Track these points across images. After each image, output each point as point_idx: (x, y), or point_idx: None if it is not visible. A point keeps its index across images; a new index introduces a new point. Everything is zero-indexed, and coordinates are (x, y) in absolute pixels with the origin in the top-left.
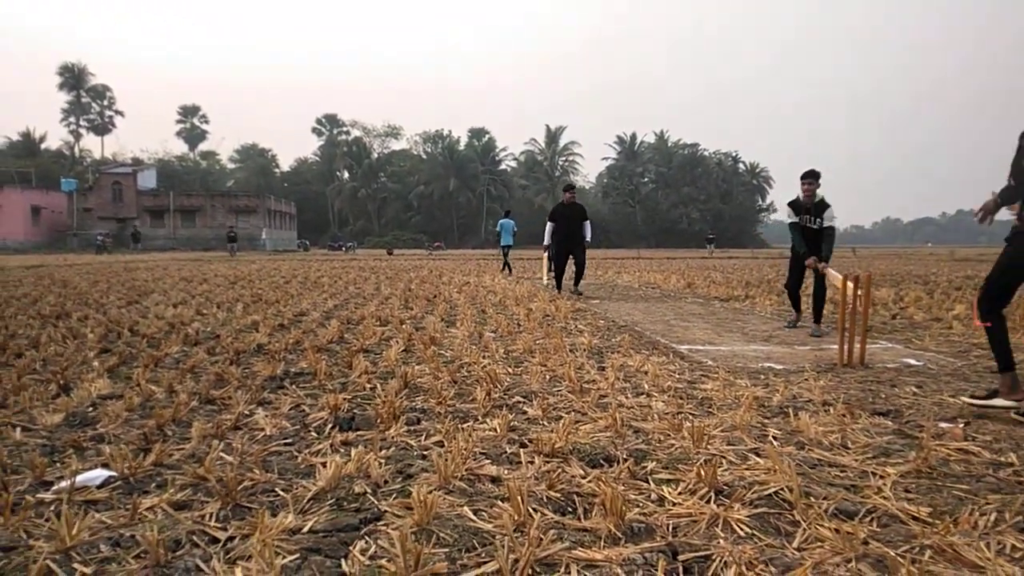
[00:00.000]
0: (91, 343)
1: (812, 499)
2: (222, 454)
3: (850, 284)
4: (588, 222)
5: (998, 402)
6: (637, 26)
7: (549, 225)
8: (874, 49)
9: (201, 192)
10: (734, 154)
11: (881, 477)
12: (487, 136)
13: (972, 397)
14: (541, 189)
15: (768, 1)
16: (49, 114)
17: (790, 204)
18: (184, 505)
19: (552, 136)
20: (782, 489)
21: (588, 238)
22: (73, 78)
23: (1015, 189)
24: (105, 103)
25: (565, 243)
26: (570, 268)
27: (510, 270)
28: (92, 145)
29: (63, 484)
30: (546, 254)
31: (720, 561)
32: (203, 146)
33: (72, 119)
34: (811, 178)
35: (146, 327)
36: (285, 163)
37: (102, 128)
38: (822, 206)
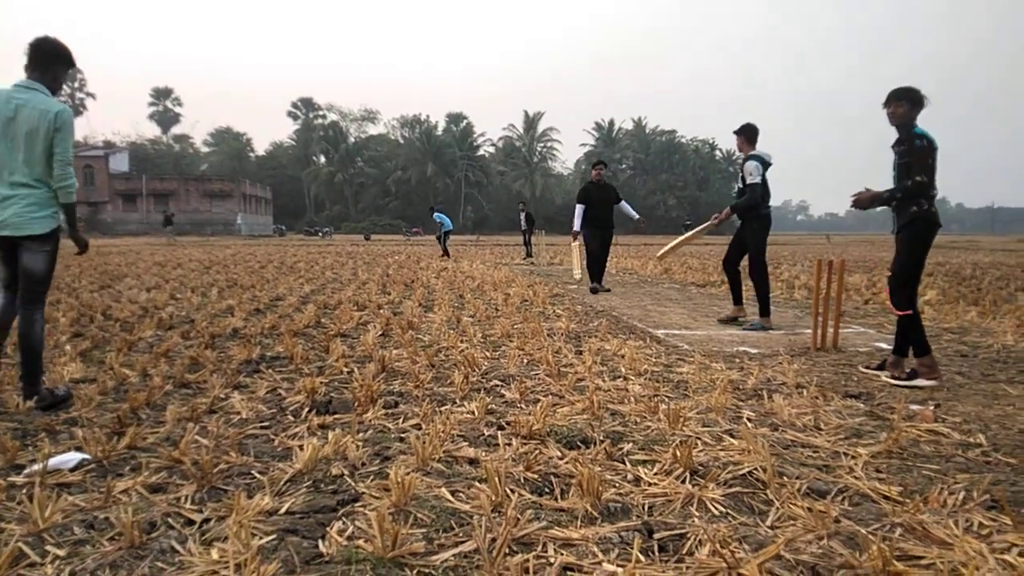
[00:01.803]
0: (63, 327)
1: (785, 479)
2: (197, 437)
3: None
4: (624, 202)
5: (920, 382)
6: (616, 12)
7: (579, 208)
8: (845, 40)
9: (175, 176)
10: (711, 141)
11: (853, 457)
12: (465, 121)
13: (895, 378)
14: (519, 175)
15: None
16: None
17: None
18: (159, 488)
19: (530, 122)
20: (756, 469)
21: (635, 216)
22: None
23: (924, 185)
24: (76, 85)
25: (595, 228)
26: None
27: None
28: None
29: (36, 467)
30: (576, 242)
31: (695, 539)
32: (176, 129)
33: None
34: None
35: (119, 311)
36: (260, 147)
37: (73, 110)
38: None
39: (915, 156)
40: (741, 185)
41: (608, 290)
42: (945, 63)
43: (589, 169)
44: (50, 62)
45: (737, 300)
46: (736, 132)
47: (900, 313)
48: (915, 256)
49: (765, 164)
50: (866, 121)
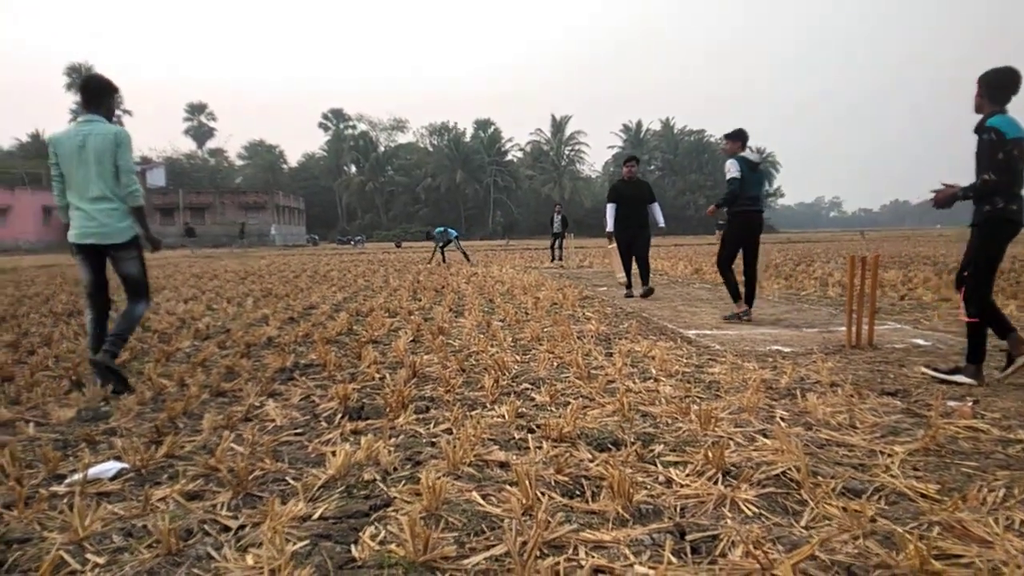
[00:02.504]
0: None
1: (820, 478)
2: (233, 445)
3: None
4: (656, 204)
5: (959, 378)
6: (649, 25)
7: (611, 208)
8: (884, 38)
9: (210, 189)
10: None
11: (889, 456)
12: (492, 127)
13: (935, 370)
14: (548, 179)
15: None
16: (57, 115)
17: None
18: (196, 495)
19: (558, 126)
20: (790, 469)
21: (662, 223)
22: (80, 78)
23: (994, 183)
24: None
25: (625, 230)
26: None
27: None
28: None
29: (76, 477)
30: (613, 244)
31: (727, 540)
32: (211, 143)
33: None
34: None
35: (157, 323)
36: (293, 159)
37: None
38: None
39: (983, 151)
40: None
41: (651, 290)
42: (981, 54)
43: (618, 170)
44: (100, 96)
45: (736, 297)
46: (728, 136)
47: (968, 320)
48: (987, 258)
49: (749, 164)
50: (904, 117)
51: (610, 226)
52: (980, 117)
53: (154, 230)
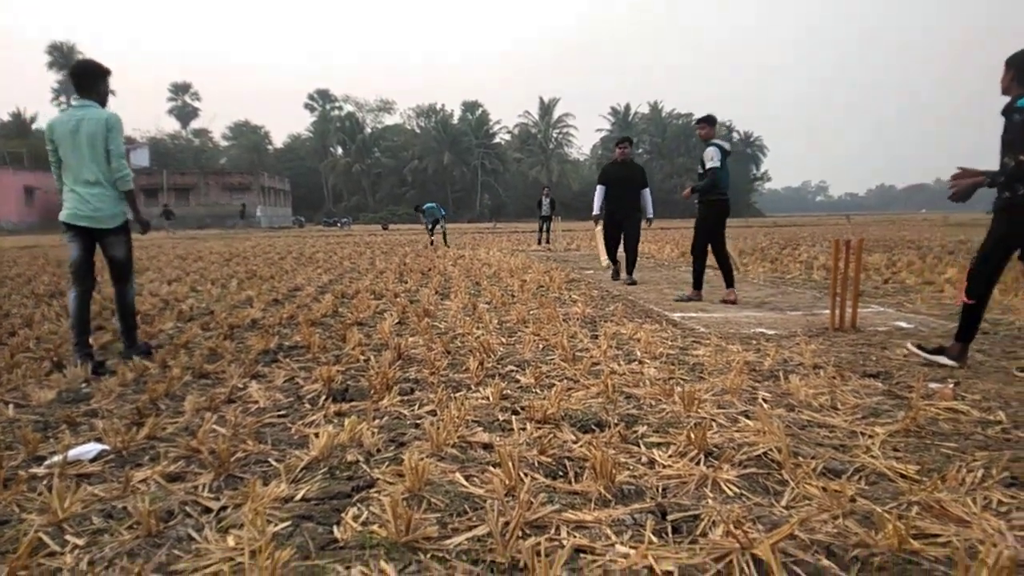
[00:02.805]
0: None
1: (801, 459)
2: (215, 426)
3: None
4: (648, 190)
5: (940, 358)
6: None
7: (600, 190)
8: (878, 25)
9: (194, 170)
10: (728, 123)
11: (870, 437)
12: (480, 109)
13: (919, 347)
14: (536, 162)
15: None
16: (39, 94)
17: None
18: (177, 477)
19: (546, 108)
20: (771, 450)
21: (650, 213)
22: (62, 57)
23: (1015, 170)
24: None
25: (614, 214)
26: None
27: (445, 240)
28: None
29: (56, 458)
30: (599, 227)
31: (708, 520)
32: (195, 123)
33: (63, 99)
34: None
35: (140, 304)
36: (278, 140)
37: None
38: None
39: (1014, 132)
40: (701, 170)
41: (634, 282)
42: (964, 39)
43: (606, 155)
44: (91, 80)
45: (699, 284)
46: (701, 121)
47: (966, 300)
48: (998, 244)
49: (724, 152)
50: (884, 100)
51: (596, 208)
52: (1007, 99)
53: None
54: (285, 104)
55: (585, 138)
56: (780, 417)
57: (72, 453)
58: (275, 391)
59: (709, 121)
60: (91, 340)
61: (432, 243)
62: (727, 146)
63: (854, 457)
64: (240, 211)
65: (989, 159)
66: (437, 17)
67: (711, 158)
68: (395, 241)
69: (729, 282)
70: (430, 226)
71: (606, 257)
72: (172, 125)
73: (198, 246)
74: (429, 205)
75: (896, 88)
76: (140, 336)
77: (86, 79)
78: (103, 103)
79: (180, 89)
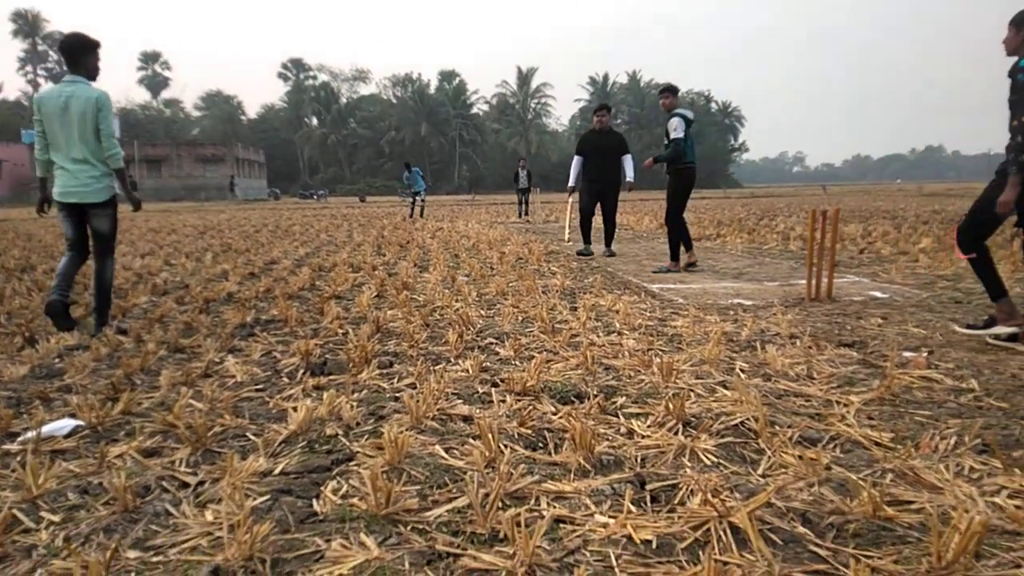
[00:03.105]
0: None
1: (777, 428)
2: (192, 401)
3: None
4: (630, 156)
5: (997, 330)
6: None
7: (576, 160)
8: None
9: (166, 141)
10: (707, 93)
11: (845, 405)
12: (457, 79)
13: (968, 327)
14: (514, 133)
15: None
16: (5, 63)
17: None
18: (153, 452)
19: (524, 78)
20: (748, 419)
21: (631, 177)
22: (27, 25)
23: (1016, 131)
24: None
25: (593, 183)
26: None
27: (422, 213)
28: None
29: (29, 435)
30: (572, 198)
31: (686, 489)
32: (166, 93)
33: (29, 68)
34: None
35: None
36: (252, 110)
37: (60, 77)
38: (668, 117)
39: (1020, 93)
40: (667, 140)
41: (613, 254)
42: (943, 11)
43: (585, 125)
44: (79, 55)
45: (686, 247)
46: (665, 91)
47: (963, 256)
48: (992, 202)
49: (688, 121)
50: (859, 69)
51: (572, 179)
52: (1012, 60)
53: None
54: (258, 73)
55: (563, 109)
56: (757, 387)
57: (46, 429)
58: (252, 365)
59: (672, 91)
60: (69, 296)
61: (412, 215)
62: (690, 115)
63: (829, 426)
64: (229, 184)
65: (958, 130)
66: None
67: (675, 128)
68: (372, 214)
69: (688, 245)
70: (411, 196)
71: (569, 232)
72: (142, 95)
73: (171, 219)
74: (417, 169)
75: (874, 60)
76: (115, 311)
77: (74, 54)
78: (92, 77)
79: (150, 58)
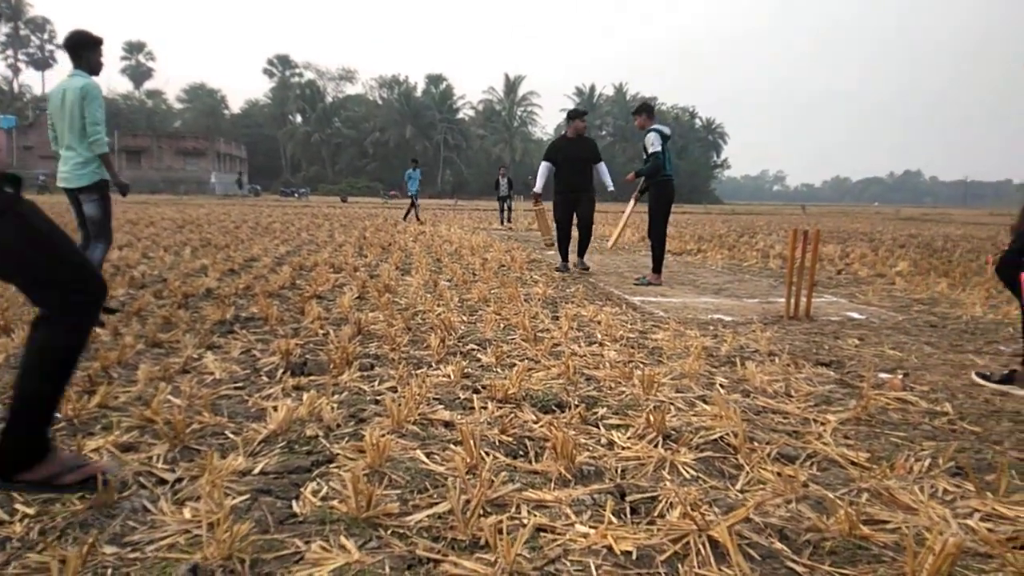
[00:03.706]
0: None
1: (756, 444)
2: (170, 397)
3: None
4: (603, 164)
5: (1016, 390)
6: None
7: (544, 166)
8: (841, 11)
9: (147, 132)
10: (691, 109)
11: (822, 424)
12: (444, 83)
13: (985, 379)
14: (499, 139)
15: None
16: None
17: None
18: (130, 447)
19: (511, 86)
20: (727, 434)
21: (611, 186)
22: (9, 8)
23: None
24: (45, 36)
25: (567, 193)
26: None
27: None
28: (32, 80)
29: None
30: (538, 206)
31: (666, 502)
32: (149, 84)
33: (10, 52)
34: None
35: None
36: (235, 105)
37: (42, 63)
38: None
39: None
40: (645, 156)
41: (587, 268)
42: (922, 38)
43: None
44: (80, 51)
45: (660, 268)
46: (637, 112)
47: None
48: None
49: (664, 136)
50: (847, 92)
51: (538, 187)
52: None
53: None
54: (243, 68)
55: (549, 118)
56: (736, 402)
57: None
58: (231, 363)
59: (645, 111)
60: None
61: (418, 217)
62: (666, 131)
63: (807, 443)
64: (237, 180)
65: (936, 155)
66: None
67: (652, 143)
68: (354, 214)
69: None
70: (411, 195)
71: (549, 236)
72: (124, 85)
73: (149, 211)
74: (418, 171)
75: (856, 84)
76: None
77: (76, 49)
78: (94, 72)
79: (135, 48)
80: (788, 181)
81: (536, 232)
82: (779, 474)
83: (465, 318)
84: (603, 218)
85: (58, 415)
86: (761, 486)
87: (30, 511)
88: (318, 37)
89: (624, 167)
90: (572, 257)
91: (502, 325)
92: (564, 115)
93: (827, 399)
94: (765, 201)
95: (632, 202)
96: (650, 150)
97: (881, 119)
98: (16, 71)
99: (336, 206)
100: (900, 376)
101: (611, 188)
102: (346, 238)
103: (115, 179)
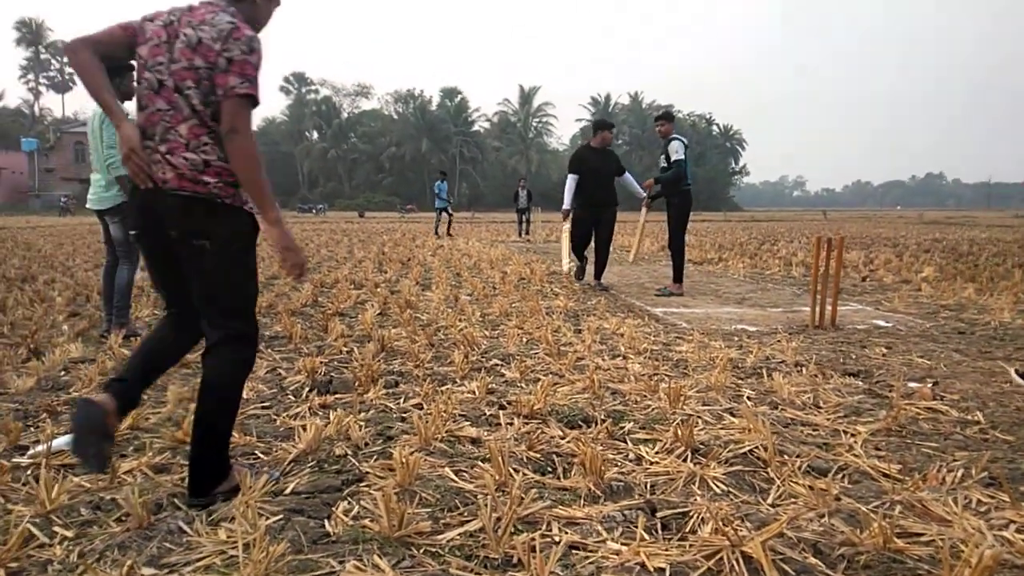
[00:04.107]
0: (59, 307)
1: (786, 457)
2: None
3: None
4: (628, 174)
5: None
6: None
7: (571, 179)
8: (858, 15)
9: None
10: (708, 116)
11: (852, 435)
12: (459, 96)
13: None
14: (515, 151)
15: None
16: (7, 71)
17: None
18: (163, 468)
19: (526, 97)
20: (757, 447)
21: (643, 194)
22: (31, 33)
23: None
24: (65, 59)
25: (591, 207)
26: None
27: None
28: (53, 103)
29: (39, 448)
30: (567, 223)
31: (697, 517)
32: None
33: (31, 76)
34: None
35: None
36: (253, 122)
37: (63, 86)
38: (668, 141)
39: None
40: (665, 164)
41: (606, 288)
42: (947, 38)
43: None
44: (112, 75)
45: (682, 277)
46: (661, 118)
47: None
48: None
49: (686, 145)
50: (862, 97)
51: (568, 202)
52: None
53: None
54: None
55: (565, 128)
56: (764, 415)
57: (56, 443)
58: (258, 382)
59: (668, 118)
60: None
61: (447, 231)
62: (686, 140)
63: (837, 455)
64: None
65: (958, 157)
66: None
67: (676, 151)
68: (372, 229)
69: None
70: (439, 210)
71: (569, 260)
72: None
73: None
74: (444, 184)
75: (876, 86)
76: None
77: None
78: (126, 97)
79: None
80: (808, 186)
81: (555, 244)
82: (811, 487)
83: (487, 332)
84: (618, 227)
85: None
86: (793, 500)
87: (69, 534)
88: (334, 54)
89: (641, 176)
90: (588, 268)
91: (525, 339)
92: (576, 125)
93: (856, 410)
94: (785, 207)
95: (644, 210)
96: (673, 157)
97: (902, 122)
98: (37, 94)
99: (354, 221)
100: (930, 385)
101: (643, 195)
102: (365, 254)
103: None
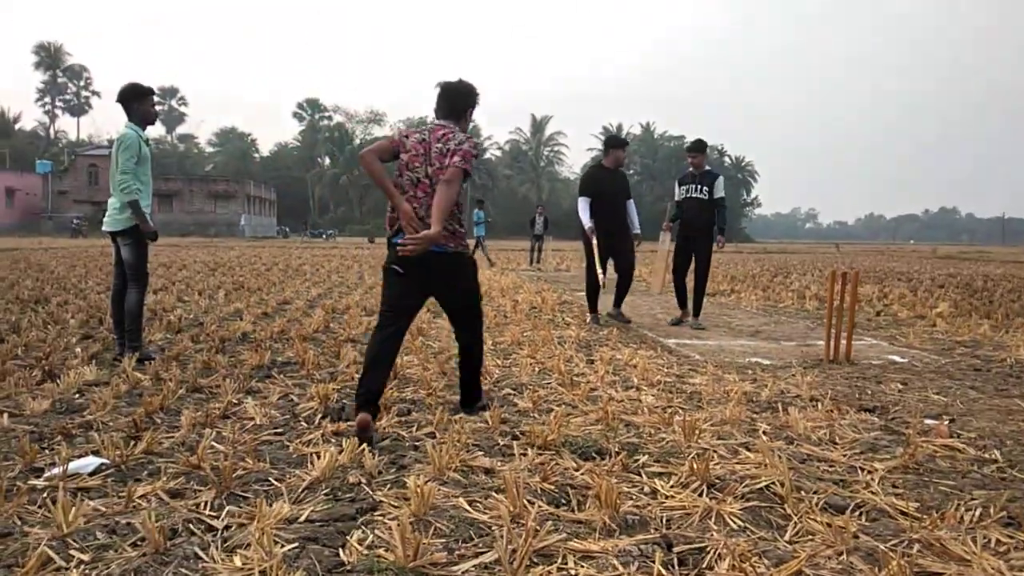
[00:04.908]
0: (73, 329)
1: (803, 493)
2: (214, 443)
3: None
4: (632, 202)
5: None
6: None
7: (583, 202)
8: (870, 48)
9: (179, 176)
10: (720, 147)
11: (869, 472)
12: (471, 124)
13: None
14: (526, 179)
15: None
16: (24, 94)
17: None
18: (178, 493)
19: (538, 125)
20: (773, 483)
21: (637, 228)
22: (49, 57)
23: None
24: (82, 83)
25: (608, 236)
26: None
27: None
28: (68, 126)
29: (55, 471)
30: (595, 242)
31: (714, 553)
32: (181, 129)
33: (48, 99)
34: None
35: None
36: (265, 148)
37: (78, 109)
38: (711, 176)
39: None
40: (705, 197)
41: (628, 321)
42: (967, 77)
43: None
44: (129, 103)
45: (684, 304)
46: (694, 149)
47: None
48: None
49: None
50: (875, 131)
51: (587, 222)
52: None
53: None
54: (273, 112)
55: (576, 157)
56: (780, 450)
57: (72, 466)
58: (270, 408)
59: (701, 149)
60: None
61: (488, 259)
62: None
63: (855, 492)
64: (305, 224)
65: (972, 192)
66: (433, 31)
67: (720, 188)
68: (381, 255)
69: (684, 302)
70: (477, 238)
71: (602, 276)
72: (157, 130)
73: (181, 254)
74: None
75: (888, 118)
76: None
77: (125, 102)
78: (146, 121)
79: (168, 93)
80: (820, 219)
81: (566, 272)
82: (828, 524)
83: (499, 362)
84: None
85: (107, 461)
86: (810, 537)
87: (85, 558)
88: (345, 79)
89: (652, 205)
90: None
91: (537, 369)
92: (590, 155)
93: (873, 446)
94: (797, 239)
95: (667, 236)
96: (717, 195)
97: (917, 156)
98: (53, 117)
99: (363, 247)
100: (946, 422)
101: (637, 230)
102: (375, 280)
103: (143, 226)
